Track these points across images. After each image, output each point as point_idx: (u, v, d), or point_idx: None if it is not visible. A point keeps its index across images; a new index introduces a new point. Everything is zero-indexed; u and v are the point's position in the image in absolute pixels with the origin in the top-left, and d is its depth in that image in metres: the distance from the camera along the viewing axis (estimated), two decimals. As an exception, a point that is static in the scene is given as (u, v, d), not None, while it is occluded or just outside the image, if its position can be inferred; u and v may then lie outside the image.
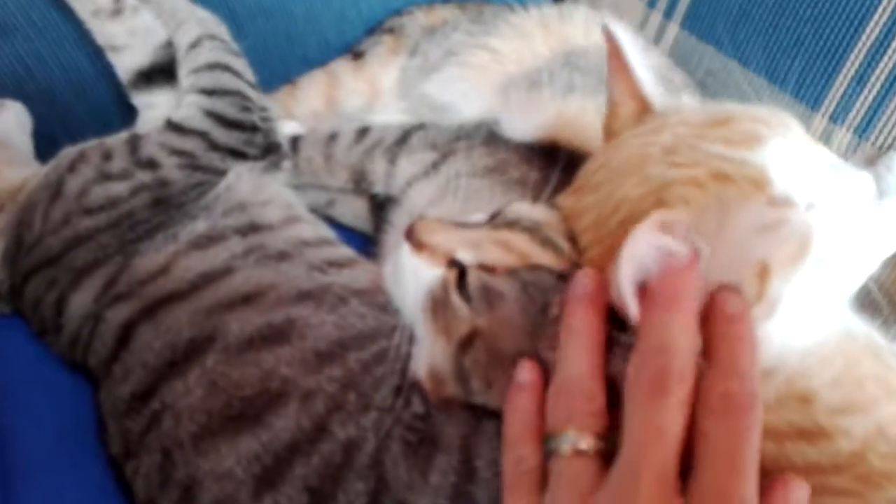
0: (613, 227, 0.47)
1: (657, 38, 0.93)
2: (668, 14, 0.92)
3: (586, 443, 0.41)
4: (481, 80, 0.83)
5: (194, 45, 0.77)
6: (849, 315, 0.55)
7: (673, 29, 0.92)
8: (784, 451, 0.47)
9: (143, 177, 0.65)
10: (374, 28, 0.98)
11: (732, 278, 0.44)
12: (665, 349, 0.39)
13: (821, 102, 0.77)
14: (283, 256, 0.60)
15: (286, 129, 0.81)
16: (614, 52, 0.55)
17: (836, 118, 0.76)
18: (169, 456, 0.51)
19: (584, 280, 0.44)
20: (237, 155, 0.70)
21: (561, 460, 0.41)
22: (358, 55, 0.95)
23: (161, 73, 0.78)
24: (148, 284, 0.58)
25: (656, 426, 0.38)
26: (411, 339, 0.52)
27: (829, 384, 0.49)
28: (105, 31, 0.77)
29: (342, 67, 0.93)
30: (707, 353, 0.41)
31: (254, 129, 0.72)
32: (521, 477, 0.43)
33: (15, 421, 0.59)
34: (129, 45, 0.78)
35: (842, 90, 0.75)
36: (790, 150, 0.47)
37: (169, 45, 0.79)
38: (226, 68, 0.75)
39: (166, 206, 0.63)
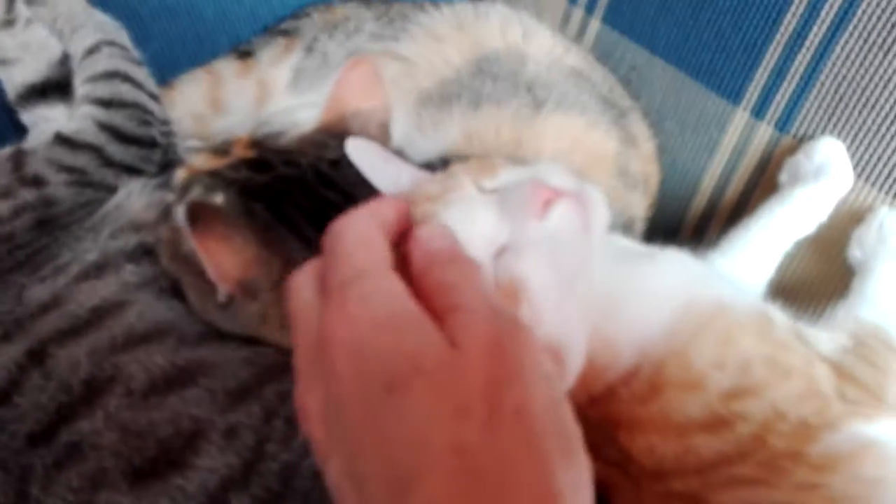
0: None
1: (579, 34, 0.92)
2: (590, 9, 0.90)
3: None
4: (395, 98, 0.79)
5: (91, 51, 0.73)
6: (730, 290, 0.56)
7: (595, 24, 0.90)
8: (690, 446, 0.48)
9: (27, 195, 0.61)
10: (268, 28, 0.95)
11: None
12: None
13: (742, 97, 0.76)
14: (179, 291, 0.57)
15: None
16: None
17: (757, 112, 0.75)
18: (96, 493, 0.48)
19: None
20: (132, 171, 0.66)
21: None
22: (245, 54, 0.91)
23: (56, 88, 0.74)
24: (37, 320, 0.54)
25: None
26: None
27: (712, 365, 0.49)
28: (-7, 42, 0.73)
29: (227, 67, 0.89)
30: None
31: (152, 144, 0.68)
32: None
33: None
34: (19, 58, 0.73)
35: (762, 84, 0.74)
36: (460, 209, 0.48)
37: (65, 61, 0.74)
38: (125, 78, 0.71)
39: (51, 227, 0.59)
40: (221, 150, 0.58)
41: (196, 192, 0.54)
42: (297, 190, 0.55)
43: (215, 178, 0.54)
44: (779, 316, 0.54)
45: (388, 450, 0.33)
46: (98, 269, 0.56)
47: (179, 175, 0.57)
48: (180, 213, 0.51)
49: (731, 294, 0.54)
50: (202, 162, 0.57)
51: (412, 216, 0.49)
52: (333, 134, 0.59)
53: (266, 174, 0.55)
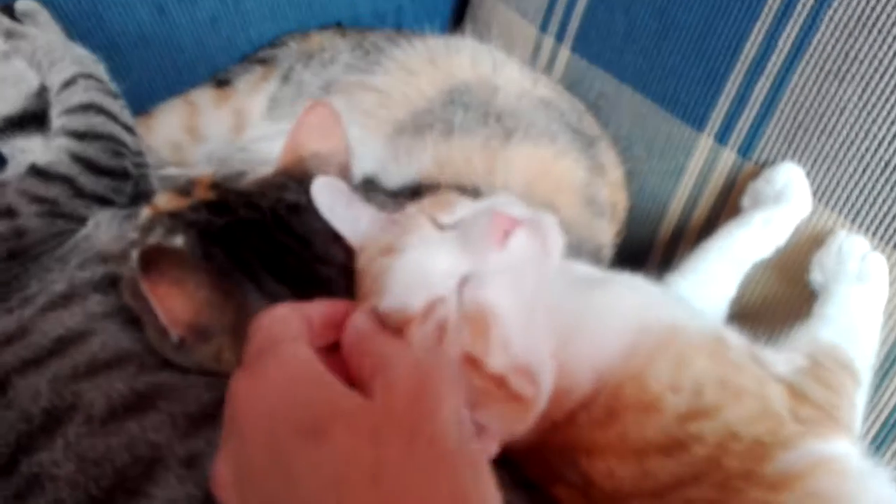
0: None
1: (550, 63, 0.94)
2: (560, 37, 0.92)
3: None
4: (371, 127, 0.82)
5: (68, 83, 0.74)
6: (685, 313, 0.57)
7: (564, 53, 0.92)
8: (648, 468, 0.49)
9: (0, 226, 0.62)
10: (246, 57, 0.96)
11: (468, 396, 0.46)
12: None
13: (706, 123, 0.78)
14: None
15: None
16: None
17: (720, 138, 0.77)
18: None
19: None
20: (103, 202, 0.67)
21: None
22: (223, 83, 0.93)
23: (33, 120, 0.75)
24: (1, 350, 0.55)
25: None
26: None
27: (668, 388, 0.50)
28: (-30, 76, 0.74)
29: (203, 96, 0.92)
30: None
31: (125, 175, 0.69)
32: None
33: None
34: (-4, 91, 0.74)
35: (724, 110, 0.76)
36: (420, 250, 0.50)
37: (42, 93, 0.75)
38: (100, 110, 0.72)
39: (22, 258, 0.60)
40: (184, 190, 0.59)
41: (157, 234, 0.55)
42: (254, 234, 0.56)
43: (176, 220, 0.55)
44: (734, 338, 0.55)
45: (302, 496, 0.34)
46: (64, 300, 0.57)
47: (144, 214, 0.58)
48: (135, 256, 0.52)
49: (685, 317, 0.56)
50: (165, 202, 0.58)
51: (366, 270, 0.52)
52: (293, 176, 0.60)
53: (225, 217, 0.56)
